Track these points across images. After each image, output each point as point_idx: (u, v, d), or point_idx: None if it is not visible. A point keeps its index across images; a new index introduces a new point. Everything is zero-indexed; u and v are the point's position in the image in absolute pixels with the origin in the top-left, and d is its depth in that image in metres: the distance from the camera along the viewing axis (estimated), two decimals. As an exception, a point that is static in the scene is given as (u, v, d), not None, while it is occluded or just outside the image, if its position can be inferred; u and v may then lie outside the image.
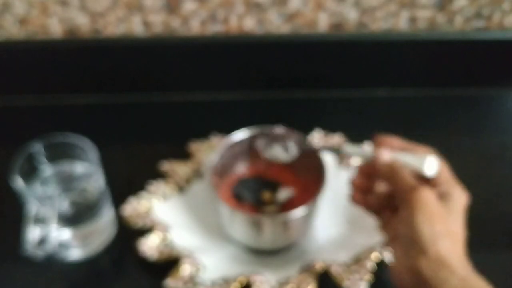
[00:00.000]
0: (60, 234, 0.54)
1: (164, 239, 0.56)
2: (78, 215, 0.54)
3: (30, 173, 0.55)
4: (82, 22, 0.72)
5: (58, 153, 0.56)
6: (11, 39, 0.73)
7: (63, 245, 0.54)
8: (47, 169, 0.57)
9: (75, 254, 0.56)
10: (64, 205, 0.53)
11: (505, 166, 0.68)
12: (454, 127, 0.75)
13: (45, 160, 0.56)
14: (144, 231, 0.56)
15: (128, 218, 0.57)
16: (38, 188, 0.55)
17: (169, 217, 0.59)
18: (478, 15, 0.74)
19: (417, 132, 0.73)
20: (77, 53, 0.74)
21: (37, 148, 0.55)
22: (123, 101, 0.77)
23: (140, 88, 0.78)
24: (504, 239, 0.60)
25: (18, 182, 0.51)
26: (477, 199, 0.64)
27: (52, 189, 0.56)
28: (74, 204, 0.54)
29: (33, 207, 0.50)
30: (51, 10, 0.71)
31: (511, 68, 0.78)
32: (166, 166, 0.63)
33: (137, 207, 0.58)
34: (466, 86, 0.79)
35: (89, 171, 0.56)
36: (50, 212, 0.50)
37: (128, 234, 0.58)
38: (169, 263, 0.54)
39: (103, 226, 0.57)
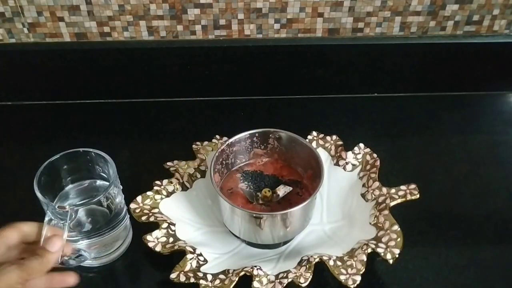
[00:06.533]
0: (75, 244, 0.53)
1: (169, 234, 0.56)
2: (96, 226, 0.54)
3: (49, 185, 0.54)
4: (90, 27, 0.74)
5: (77, 167, 0.56)
6: (22, 42, 0.75)
7: (79, 255, 0.51)
8: (66, 182, 0.57)
9: (91, 262, 0.57)
10: (80, 216, 0.53)
11: (494, 165, 0.70)
12: (444, 128, 0.76)
13: (65, 173, 0.56)
14: (150, 227, 0.57)
15: (135, 214, 0.58)
16: (54, 199, 0.55)
17: (174, 213, 0.59)
18: (469, 20, 0.76)
19: (410, 133, 0.76)
20: (85, 56, 0.75)
21: (58, 161, 0.55)
22: (131, 103, 0.79)
23: (147, 90, 0.79)
24: (493, 235, 0.61)
25: (37, 193, 0.51)
26: (467, 196, 0.66)
27: (68, 201, 0.56)
28: (91, 215, 0.54)
29: (47, 217, 0.49)
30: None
31: (501, 71, 0.79)
32: (171, 165, 0.64)
33: (143, 203, 0.59)
34: (457, 88, 0.80)
35: (107, 184, 0.55)
36: (62, 223, 0.49)
37: (135, 229, 0.59)
38: (173, 257, 0.55)
39: (119, 236, 0.57)
